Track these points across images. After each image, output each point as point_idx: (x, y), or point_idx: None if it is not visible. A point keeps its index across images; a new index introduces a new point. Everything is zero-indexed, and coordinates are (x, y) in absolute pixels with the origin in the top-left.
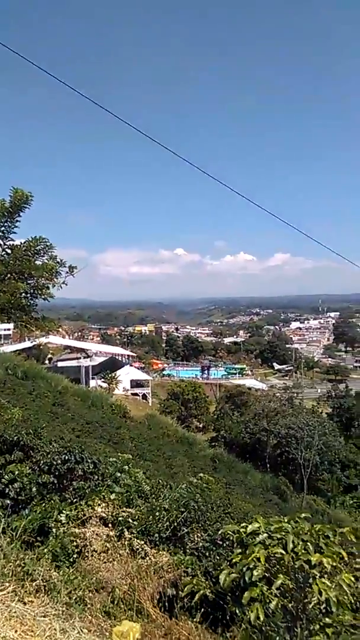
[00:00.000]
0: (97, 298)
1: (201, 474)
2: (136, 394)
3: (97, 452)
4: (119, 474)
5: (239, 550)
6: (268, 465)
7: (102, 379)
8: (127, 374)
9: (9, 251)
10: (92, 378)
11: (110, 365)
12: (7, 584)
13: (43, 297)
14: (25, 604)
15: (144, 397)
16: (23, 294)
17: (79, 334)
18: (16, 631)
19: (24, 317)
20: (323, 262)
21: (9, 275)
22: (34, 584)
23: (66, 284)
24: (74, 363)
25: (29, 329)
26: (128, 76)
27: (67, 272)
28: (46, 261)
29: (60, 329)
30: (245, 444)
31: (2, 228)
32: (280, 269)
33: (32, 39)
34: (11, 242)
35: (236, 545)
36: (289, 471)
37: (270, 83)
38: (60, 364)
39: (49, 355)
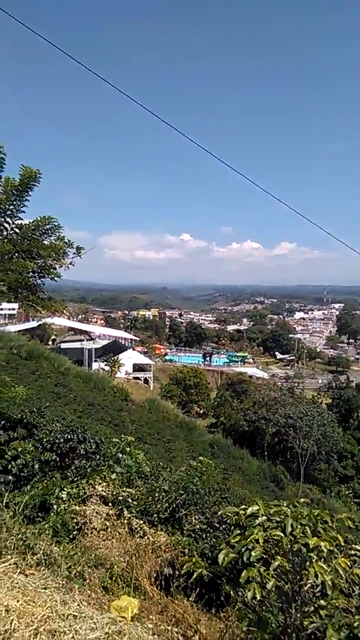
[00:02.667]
0: (102, 281)
1: (201, 458)
2: (138, 378)
3: (98, 433)
4: (120, 455)
5: (238, 532)
6: (266, 453)
7: (105, 362)
8: (129, 358)
9: (17, 230)
10: (95, 360)
11: (113, 349)
12: (9, 557)
13: (50, 276)
14: (26, 576)
15: (146, 381)
16: (30, 274)
17: (83, 316)
18: (18, 601)
19: (30, 296)
20: (328, 252)
21: (16, 254)
22: (35, 557)
23: (73, 265)
24: (77, 345)
25: (36, 308)
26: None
27: (75, 253)
28: (54, 241)
29: (65, 311)
30: (244, 431)
31: (11, 207)
32: (286, 257)
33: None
34: (19, 222)
35: (234, 527)
36: (286, 460)
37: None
38: (63, 345)
39: (53, 336)
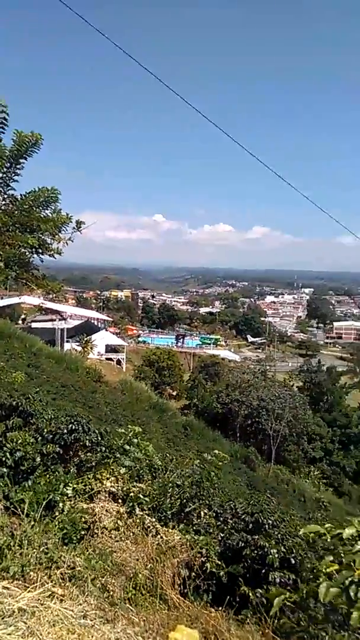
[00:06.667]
0: (73, 260)
1: (216, 451)
2: (110, 359)
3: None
4: (127, 447)
5: (331, 558)
6: (238, 435)
7: (77, 343)
8: (102, 339)
9: (11, 201)
10: (67, 341)
11: (86, 329)
12: (34, 574)
13: (49, 253)
14: (61, 600)
15: (119, 362)
16: (28, 249)
17: (54, 295)
18: None
19: (24, 274)
20: (300, 238)
21: (11, 227)
22: (58, 572)
23: (72, 241)
24: (48, 325)
25: (30, 287)
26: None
27: (74, 228)
28: (49, 214)
29: (60, 292)
30: (217, 413)
31: (4, 175)
32: (258, 242)
33: None
34: (12, 192)
35: (322, 550)
36: (258, 441)
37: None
38: (34, 324)
39: (23, 315)
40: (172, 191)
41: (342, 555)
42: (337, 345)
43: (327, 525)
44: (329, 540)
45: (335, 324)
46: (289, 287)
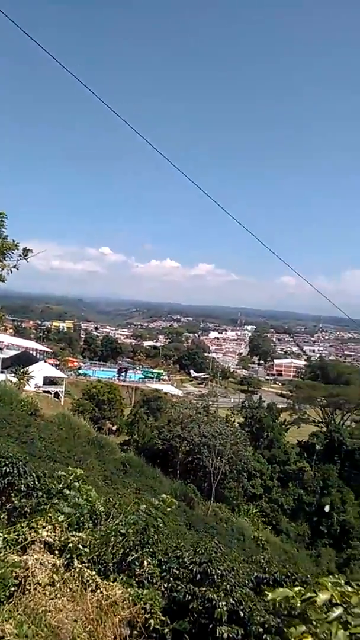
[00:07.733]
0: (12, 288)
1: (164, 495)
2: (48, 392)
3: (29, 464)
4: (67, 491)
5: (303, 629)
6: (178, 472)
7: (13, 374)
8: (40, 370)
9: None
10: (2, 372)
11: (23, 360)
12: None
13: None
14: None
15: (56, 395)
16: None
17: None
18: None
19: None
20: (243, 277)
21: None
22: None
23: (17, 269)
24: None
25: None
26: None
27: (20, 256)
28: None
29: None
30: (158, 449)
31: None
32: (203, 279)
33: None
34: None
35: (290, 615)
36: (198, 478)
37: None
38: None
39: None
40: (120, 225)
41: (315, 624)
42: (277, 382)
43: (296, 589)
44: (298, 605)
45: (276, 361)
46: (232, 323)
